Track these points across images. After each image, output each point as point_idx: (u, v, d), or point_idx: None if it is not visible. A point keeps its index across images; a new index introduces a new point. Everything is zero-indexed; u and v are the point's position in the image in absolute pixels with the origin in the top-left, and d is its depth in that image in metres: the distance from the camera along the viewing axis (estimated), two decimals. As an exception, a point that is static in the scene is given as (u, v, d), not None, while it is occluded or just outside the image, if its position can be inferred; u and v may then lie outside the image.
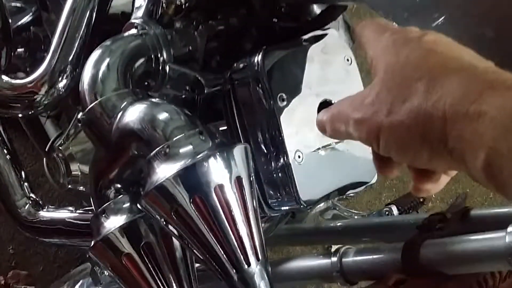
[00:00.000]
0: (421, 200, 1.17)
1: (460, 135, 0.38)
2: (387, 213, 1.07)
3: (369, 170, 0.74)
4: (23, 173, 0.98)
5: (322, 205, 0.99)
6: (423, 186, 0.46)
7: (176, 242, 0.66)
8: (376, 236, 0.92)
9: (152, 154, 0.60)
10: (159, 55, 0.72)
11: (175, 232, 0.59)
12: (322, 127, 0.49)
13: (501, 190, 0.37)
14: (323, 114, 0.49)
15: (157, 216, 0.60)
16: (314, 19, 0.79)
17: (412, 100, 0.41)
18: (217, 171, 0.58)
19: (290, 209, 0.75)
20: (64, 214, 0.94)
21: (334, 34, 0.77)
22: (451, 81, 0.39)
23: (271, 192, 0.72)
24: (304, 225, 1.01)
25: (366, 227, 0.95)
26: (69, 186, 0.91)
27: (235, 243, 0.57)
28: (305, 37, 0.75)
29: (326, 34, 0.76)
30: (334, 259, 0.78)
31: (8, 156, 0.97)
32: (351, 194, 0.78)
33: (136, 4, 0.77)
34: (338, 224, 0.97)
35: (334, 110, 0.48)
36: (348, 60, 0.76)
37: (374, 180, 0.76)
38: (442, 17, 0.59)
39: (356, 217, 1.10)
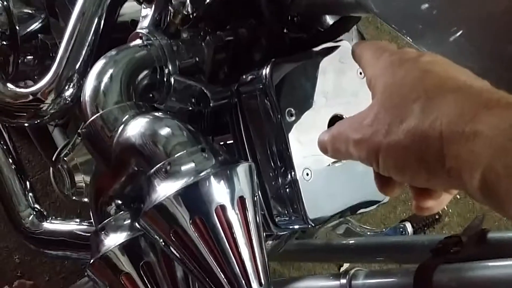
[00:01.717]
0: (437, 217, 1.13)
1: (457, 155, 0.38)
2: (401, 230, 1.04)
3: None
4: (28, 183, 0.96)
5: (334, 220, 0.97)
6: (424, 204, 0.46)
7: (177, 261, 0.63)
8: (389, 256, 0.89)
9: (152, 171, 0.58)
10: (164, 67, 0.70)
11: (174, 253, 0.57)
12: (323, 148, 0.51)
13: (498, 208, 0.37)
14: (324, 135, 0.50)
15: (155, 236, 0.57)
16: (327, 30, 0.76)
17: (409, 121, 0.41)
18: (219, 191, 0.55)
19: (298, 228, 0.72)
20: (68, 226, 0.92)
21: (347, 46, 0.74)
22: (447, 101, 0.40)
23: (279, 209, 0.69)
24: (315, 241, 0.98)
25: (378, 247, 0.91)
26: (74, 198, 0.89)
27: (237, 267, 0.55)
28: (317, 49, 0.72)
29: (338, 46, 0.73)
30: (344, 281, 0.76)
31: (13, 166, 0.95)
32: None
33: (143, 13, 0.75)
34: (350, 242, 0.93)
35: (335, 131, 0.49)
36: (361, 73, 0.73)
37: (386, 199, 0.73)
38: (460, 32, 0.56)
39: (369, 233, 1.07)
